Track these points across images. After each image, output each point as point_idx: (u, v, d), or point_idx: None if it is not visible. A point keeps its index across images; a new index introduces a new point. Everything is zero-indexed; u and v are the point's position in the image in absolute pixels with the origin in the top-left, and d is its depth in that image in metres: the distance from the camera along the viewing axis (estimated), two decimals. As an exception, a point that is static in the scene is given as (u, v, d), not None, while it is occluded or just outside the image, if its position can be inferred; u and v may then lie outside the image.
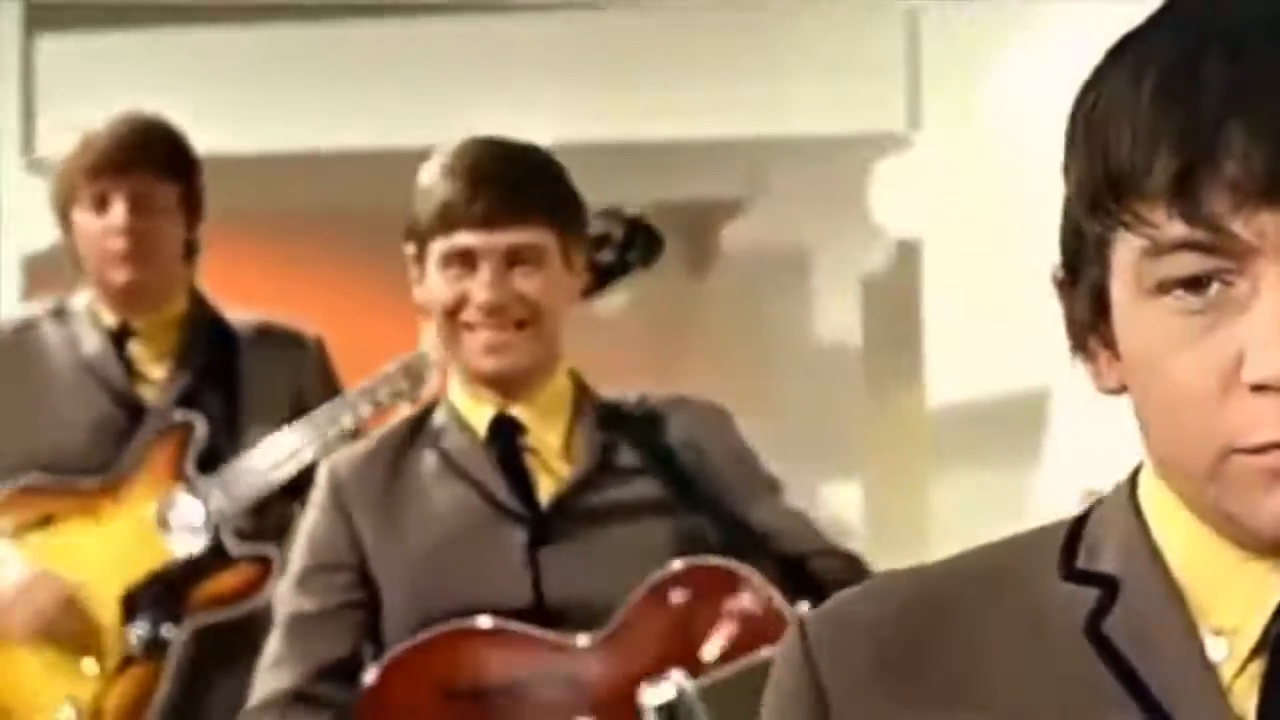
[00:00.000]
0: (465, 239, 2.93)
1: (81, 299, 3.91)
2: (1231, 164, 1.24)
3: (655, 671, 2.99)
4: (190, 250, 3.91)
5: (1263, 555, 1.33)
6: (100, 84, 5.29)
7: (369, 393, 3.75)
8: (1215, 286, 1.27)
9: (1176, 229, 1.26)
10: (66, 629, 3.78)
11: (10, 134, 5.45)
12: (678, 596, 3.00)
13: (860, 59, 5.41)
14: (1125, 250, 1.30)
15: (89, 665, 3.81)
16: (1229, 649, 1.35)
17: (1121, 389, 1.36)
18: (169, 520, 3.84)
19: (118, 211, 3.77)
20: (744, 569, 2.97)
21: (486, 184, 2.95)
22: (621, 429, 3.11)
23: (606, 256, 3.38)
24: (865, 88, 5.40)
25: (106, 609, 3.80)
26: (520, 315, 2.98)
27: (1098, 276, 1.34)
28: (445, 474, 3.08)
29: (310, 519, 3.12)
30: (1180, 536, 1.37)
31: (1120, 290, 1.32)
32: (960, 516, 4.77)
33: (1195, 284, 1.27)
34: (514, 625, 3.00)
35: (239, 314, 4.02)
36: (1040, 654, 1.39)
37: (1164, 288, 1.28)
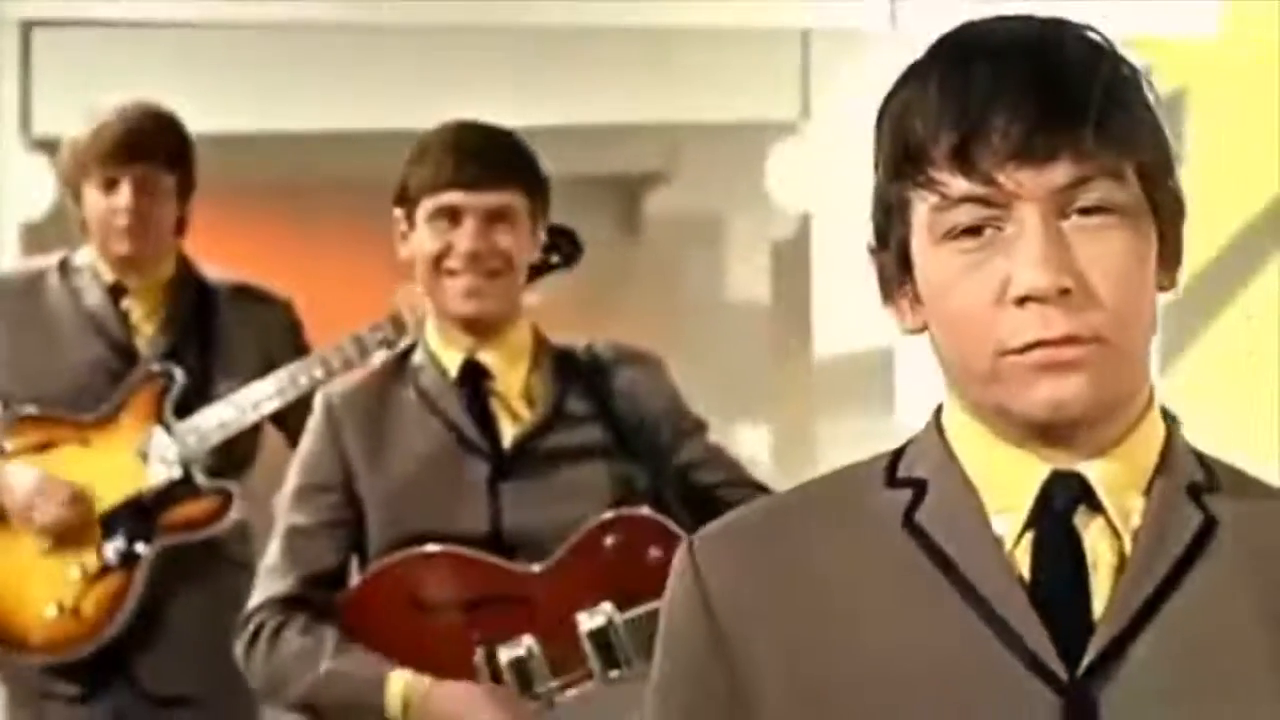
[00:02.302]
0: (453, 198, 3.17)
1: (83, 255, 4.12)
2: (996, 136, 1.48)
3: (590, 602, 3.16)
4: (181, 224, 4.14)
5: (1029, 449, 1.54)
6: (94, 66, 5.37)
7: (336, 351, 3.97)
8: (988, 232, 1.50)
9: (959, 185, 1.50)
10: (71, 520, 3.98)
11: (10, 114, 5.49)
12: (610, 540, 3.18)
13: (760, 59, 5.71)
14: (921, 208, 1.53)
15: (72, 572, 4.01)
16: (1009, 525, 1.55)
17: (922, 329, 1.59)
18: (147, 454, 4.05)
19: (124, 194, 4.00)
20: (666, 521, 3.16)
21: (472, 154, 3.19)
22: (573, 377, 3.30)
23: (534, 257, 3.61)
24: (763, 82, 5.71)
25: (89, 524, 4.02)
26: (495, 266, 3.20)
27: (901, 235, 1.56)
28: (422, 411, 3.26)
29: (307, 442, 3.30)
30: (971, 445, 1.58)
31: (918, 242, 1.55)
32: (843, 453, 5.09)
33: (973, 231, 1.51)
34: (476, 552, 3.18)
35: (217, 274, 4.22)
36: (871, 544, 1.59)
37: (950, 234, 1.52)
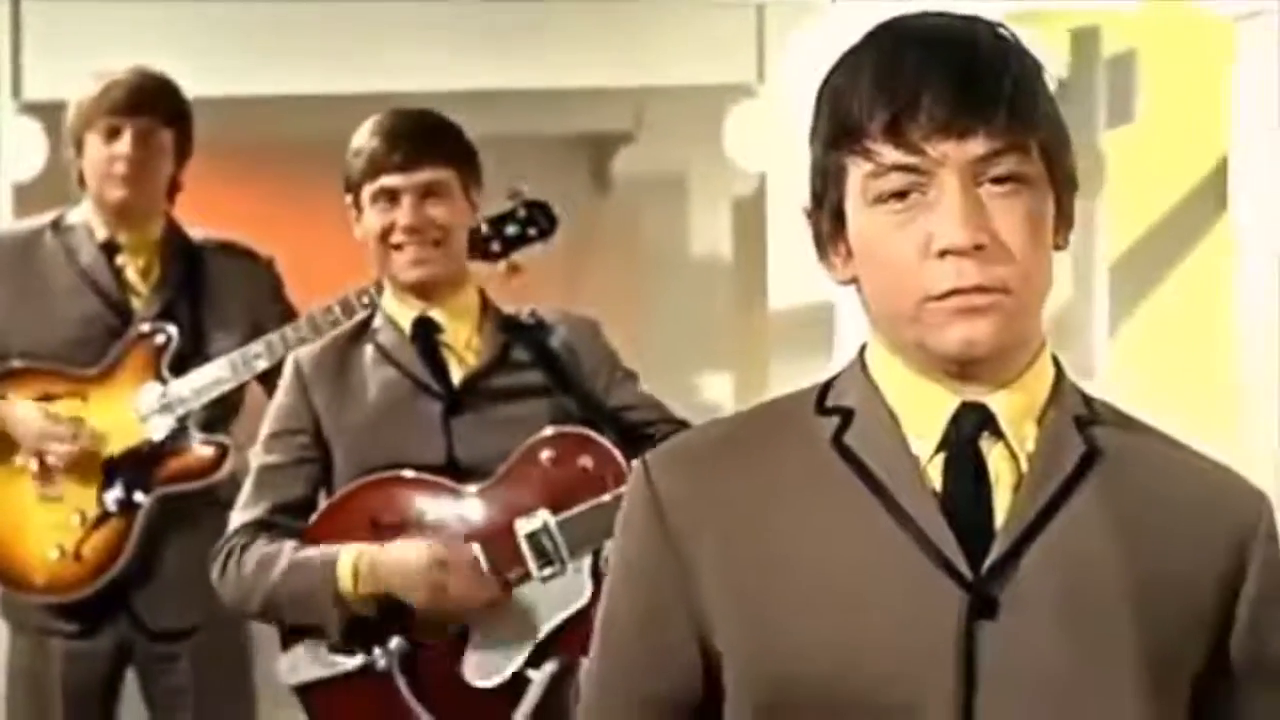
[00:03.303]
0: (389, 180, 3.43)
1: (77, 214, 4.24)
2: (924, 114, 1.67)
3: (528, 510, 3.41)
4: (174, 186, 4.29)
5: (943, 383, 1.73)
6: (84, 31, 5.46)
7: (325, 313, 4.04)
8: (914, 195, 1.69)
9: (892, 155, 1.68)
10: (79, 456, 4.11)
11: (1, 78, 5.58)
12: (546, 454, 3.43)
13: (719, 27, 5.85)
14: (856, 175, 1.71)
15: (73, 518, 4.14)
16: (924, 447, 1.74)
17: (851, 280, 1.76)
18: (145, 408, 4.17)
19: (125, 141, 4.15)
20: (595, 435, 3.42)
21: (401, 139, 3.44)
22: (516, 333, 3.54)
23: (511, 230, 3.92)
24: (722, 49, 5.87)
25: (91, 473, 4.15)
26: (435, 236, 3.44)
27: (836, 199, 1.74)
28: (381, 362, 3.51)
29: (278, 397, 3.57)
30: (892, 379, 1.77)
31: (852, 205, 1.72)
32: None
33: (900, 195, 1.69)
34: (425, 475, 3.44)
35: (204, 232, 4.34)
36: (803, 461, 1.77)
37: (881, 199, 1.70)
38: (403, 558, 3.36)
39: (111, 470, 4.16)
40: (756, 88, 5.89)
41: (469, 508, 3.43)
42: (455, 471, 3.44)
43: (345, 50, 5.78)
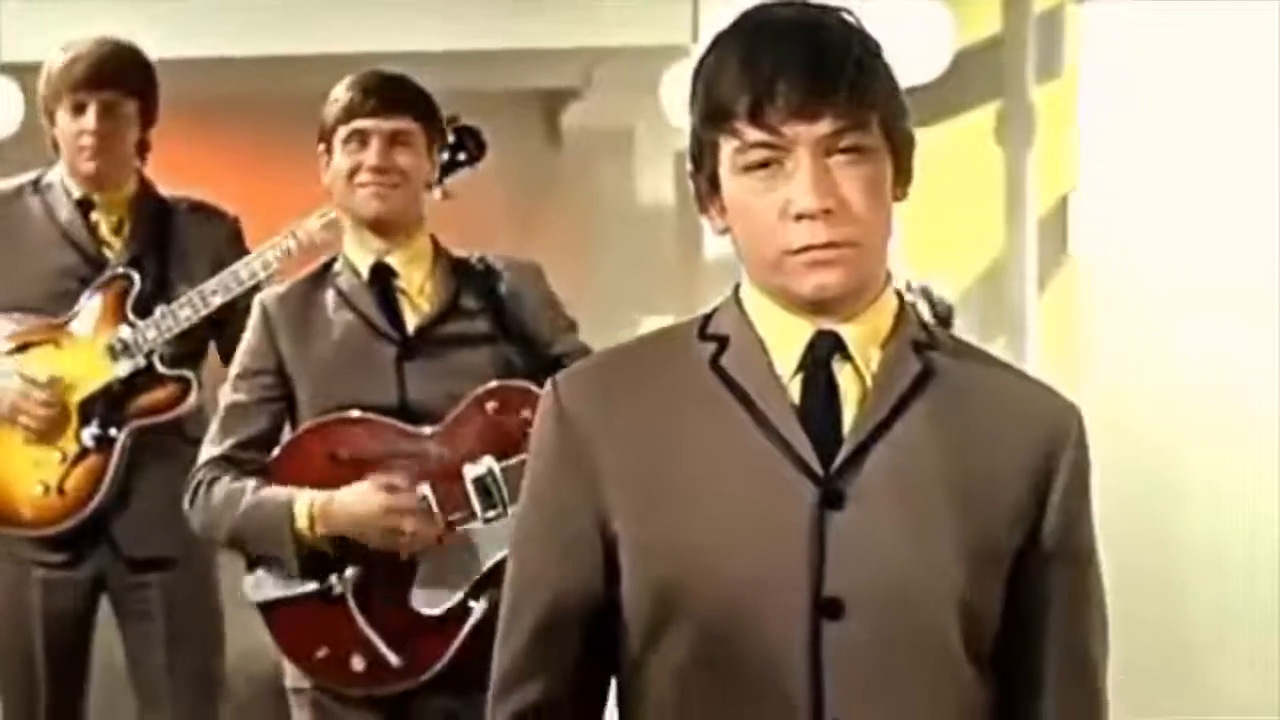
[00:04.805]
0: (360, 124, 3.63)
1: (55, 173, 4.38)
2: (780, 99, 1.91)
3: (474, 456, 3.58)
4: (143, 147, 4.41)
5: (801, 315, 1.99)
6: None
7: (272, 247, 4.20)
8: (774, 166, 1.93)
9: (754, 134, 1.93)
10: (52, 417, 4.26)
11: None
12: (491, 405, 3.60)
13: None
14: (726, 148, 1.96)
15: (55, 456, 4.30)
16: (786, 368, 2.00)
17: (726, 231, 2.01)
18: (114, 348, 4.31)
19: (90, 117, 4.27)
20: (536, 388, 3.37)
21: (375, 90, 3.65)
22: (466, 279, 3.70)
23: (443, 156, 3.92)
24: (660, 11, 6.10)
25: (68, 413, 4.31)
26: (396, 180, 3.63)
27: (711, 167, 1.99)
28: (340, 306, 3.67)
29: (246, 337, 3.72)
30: (760, 312, 2.02)
31: (724, 172, 1.98)
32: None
33: (763, 165, 1.94)
34: (381, 417, 3.61)
35: (173, 191, 4.46)
36: (687, 380, 2.01)
37: (747, 169, 1.95)
38: (355, 507, 3.54)
39: (87, 409, 4.31)
40: (691, 48, 6.00)
41: (420, 450, 3.59)
42: (406, 413, 3.61)
43: (306, 13, 5.92)
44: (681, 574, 1.98)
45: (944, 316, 3.73)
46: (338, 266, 3.71)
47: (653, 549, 1.99)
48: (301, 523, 3.54)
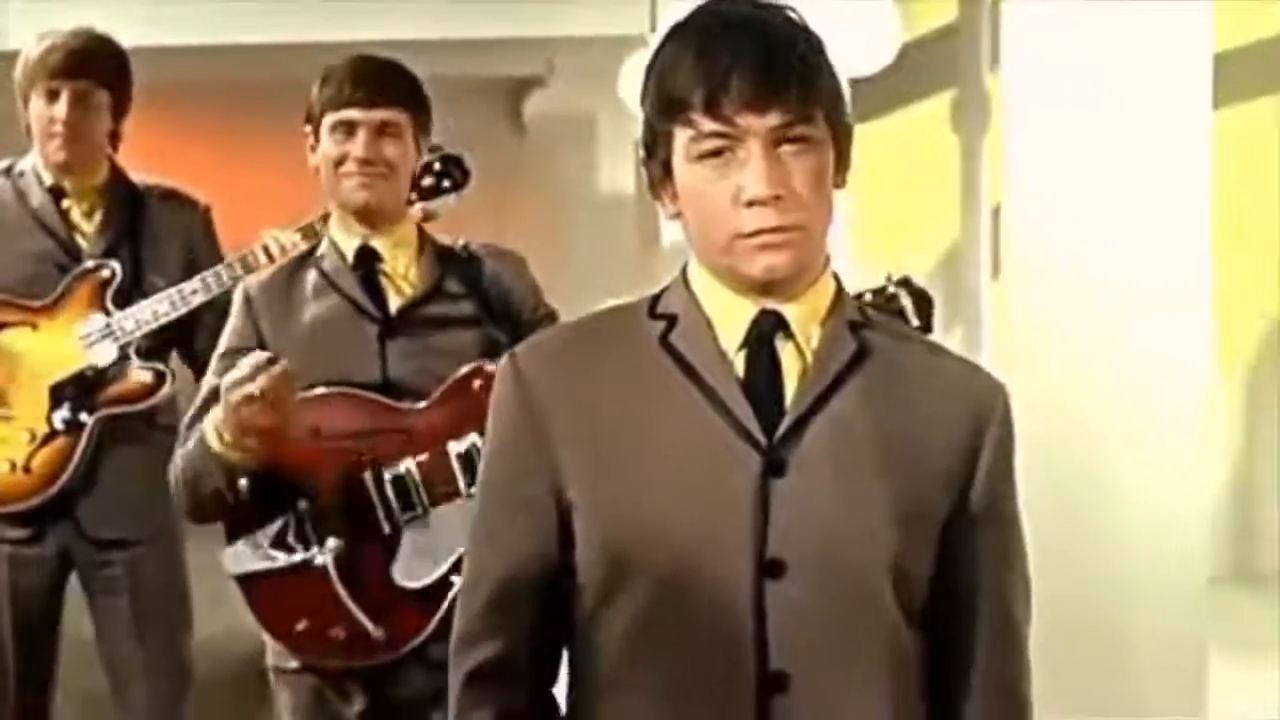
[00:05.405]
0: (349, 113, 3.57)
1: (27, 161, 4.38)
2: (733, 92, 1.99)
3: (460, 432, 3.54)
4: (114, 137, 4.41)
5: (746, 295, 2.07)
6: None
7: (251, 252, 4.20)
8: (726, 155, 2.01)
9: (709, 125, 2.01)
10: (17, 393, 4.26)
11: None
12: (477, 383, 3.55)
13: None
14: (681, 137, 2.04)
15: (23, 436, 4.30)
16: (731, 344, 2.08)
17: (677, 215, 2.09)
18: (90, 336, 4.31)
19: (63, 105, 4.29)
20: None
21: (365, 79, 3.58)
22: (450, 264, 3.67)
23: (427, 181, 3.97)
24: (619, 2, 6.10)
25: (39, 395, 4.30)
26: (382, 171, 3.58)
27: (664, 155, 2.07)
28: (324, 288, 3.64)
29: (230, 321, 3.68)
30: (707, 292, 2.10)
31: (678, 161, 2.05)
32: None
33: (715, 154, 2.02)
34: (366, 393, 3.57)
35: (144, 177, 4.45)
36: (637, 355, 2.09)
37: (701, 158, 2.03)
38: (226, 395, 3.40)
39: (58, 393, 4.32)
40: (649, 39, 6.01)
41: (405, 425, 3.57)
42: (388, 390, 3.58)
43: (275, 3, 5.92)
44: (633, 537, 2.07)
45: (926, 310, 3.70)
46: (322, 249, 3.70)
47: (605, 513, 2.09)
48: (213, 440, 3.45)
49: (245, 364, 3.39)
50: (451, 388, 3.57)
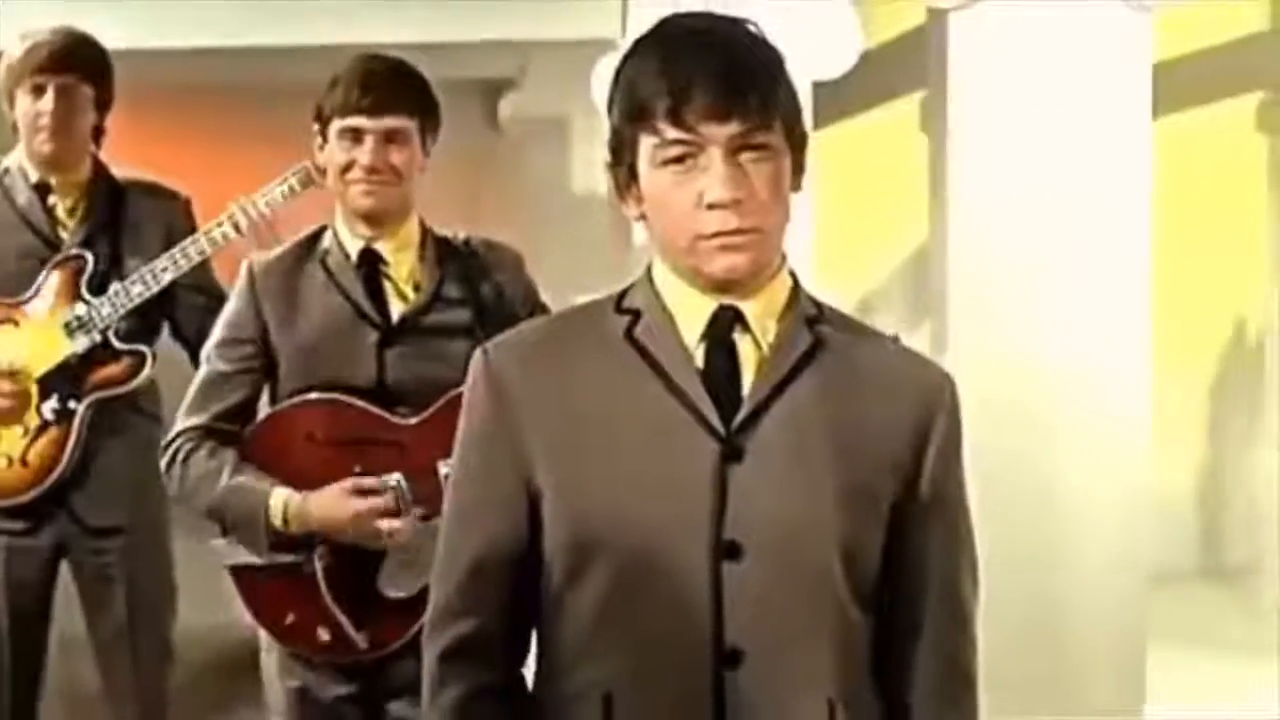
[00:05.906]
0: (357, 121, 3.56)
1: (12, 159, 4.42)
2: (696, 102, 2.07)
3: (450, 453, 3.35)
4: (98, 133, 4.46)
5: (706, 292, 2.15)
6: None
7: (217, 226, 4.21)
8: (689, 161, 2.09)
9: (672, 133, 2.09)
10: (12, 400, 4.33)
11: None
12: None
13: None
14: (645, 144, 2.11)
15: (16, 430, 4.34)
16: (692, 338, 2.16)
17: (641, 217, 2.17)
18: (70, 326, 4.35)
19: (48, 100, 4.35)
20: None
21: (374, 85, 3.56)
22: (450, 264, 3.67)
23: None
24: (591, 5, 6.21)
25: (28, 389, 4.35)
26: (389, 178, 3.58)
27: (630, 159, 2.14)
28: (327, 286, 3.63)
29: (231, 303, 3.68)
30: (670, 289, 2.18)
31: (643, 166, 2.13)
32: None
33: (679, 160, 2.09)
34: (361, 401, 3.59)
35: (126, 172, 4.49)
36: (603, 349, 2.15)
37: (665, 163, 2.11)
38: (331, 511, 3.52)
39: (46, 385, 4.36)
40: (620, 42, 6.11)
41: (397, 440, 3.58)
42: (383, 393, 3.60)
43: (254, 7, 5.96)
44: (598, 521, 2.15)
45: None
46: (326, 242, 3.68)
47: (572, 498, 2.17)
48: (276, 519, 3.53)
49: (376, 503, 3.51)
50: (444, 405, 3.54)
